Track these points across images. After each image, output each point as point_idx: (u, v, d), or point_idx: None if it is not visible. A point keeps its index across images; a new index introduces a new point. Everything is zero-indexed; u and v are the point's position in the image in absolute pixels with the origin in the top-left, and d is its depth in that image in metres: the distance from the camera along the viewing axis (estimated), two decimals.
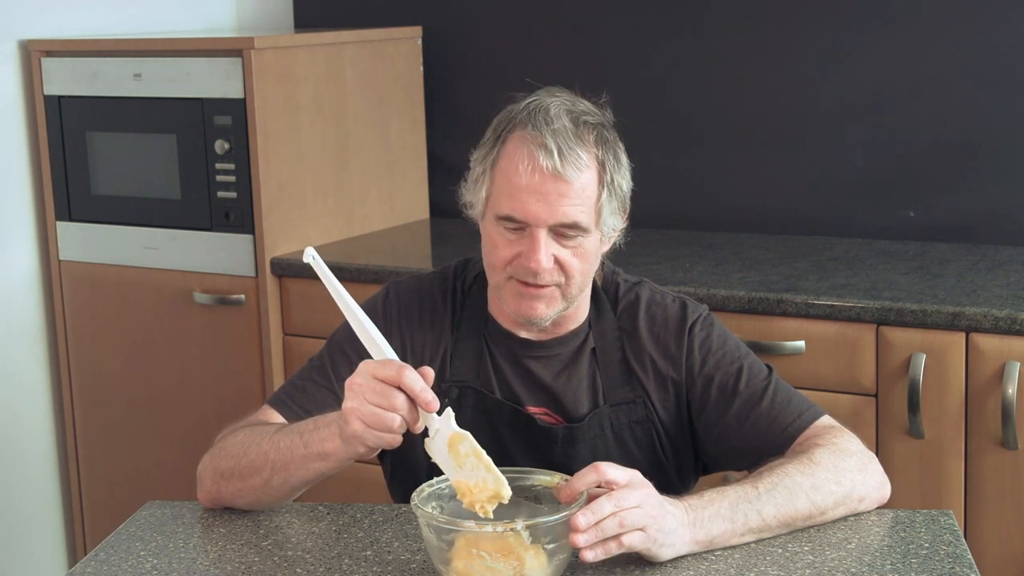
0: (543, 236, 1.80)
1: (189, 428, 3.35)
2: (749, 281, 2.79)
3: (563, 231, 1.80)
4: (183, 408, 3.34)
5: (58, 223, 3.42)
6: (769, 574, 1.65)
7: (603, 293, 1.97)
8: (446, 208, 3.67)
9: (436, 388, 1.66)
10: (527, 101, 1.88)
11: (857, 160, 3.21)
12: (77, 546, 3.55)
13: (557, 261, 1.82)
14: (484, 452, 1.61)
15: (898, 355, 2.58)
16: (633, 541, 1.60)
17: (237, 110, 3.13)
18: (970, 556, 1.70)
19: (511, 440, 1.91)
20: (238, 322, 3.23)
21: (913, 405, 2.56)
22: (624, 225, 1.92)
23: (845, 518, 1.81)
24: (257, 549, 1.77)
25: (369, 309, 1.97)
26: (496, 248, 1.83)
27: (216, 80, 3.15)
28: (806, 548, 1.72)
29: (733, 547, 1.71)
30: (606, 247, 1.92)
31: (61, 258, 3.43)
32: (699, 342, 1.94)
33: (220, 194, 3.20)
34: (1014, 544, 2.55)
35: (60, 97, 3.35)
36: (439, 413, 1.64)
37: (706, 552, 1.70)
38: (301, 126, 3.23)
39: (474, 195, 1.88)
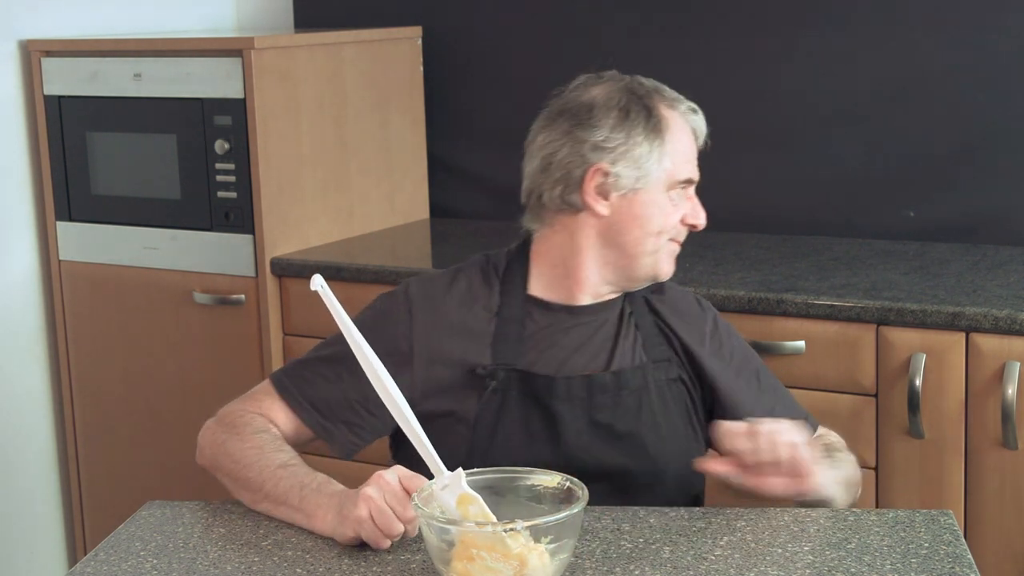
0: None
1: (189, 428, 3.32)
2: (749, 281, 2.79)
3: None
4: (183, 408, 3.34)
5: (58, 223, 3.42)
6: (769, 574, 1.65)
7: None
8: (446, 208, 3.67)
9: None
10: (632, 78, 2.07)
11: (857, 160, 3.21)
12: (77, 546, 3.55)
13: None
14: (492, 516, 1.61)
15: (898, 355, 2.58)
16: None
17: (237, 110, 3.13)
18: (970, 556, 1.70)
19: (563, 410, 1.93)
20: (238, 322, 3.23)
21: (913, 405, 2.56)
22: None
23: (846, 517, 1.82)
24: (257, 549, 1.77)
25: (380, 312, 2.00)
26: (668, 215, 1.99)
27: (216, 80, 3.15)
28: (806, 548, 1.73)
29: (823, 500, 1.86)
30: None
31: (61, 258, 3.43)
32: (718, 323, 2.10)
33: (220, 194, 3.20)
34: (1014, 544, 2.56)
35: (60, 97, 3.35)
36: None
37: (707, 551, 1.71)
38: (301, 126, 3.23)
39: (641, 170, 1.95)
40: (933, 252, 3.03)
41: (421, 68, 3.59)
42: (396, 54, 3.52)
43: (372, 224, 3.47)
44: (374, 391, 1.72)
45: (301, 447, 1.99)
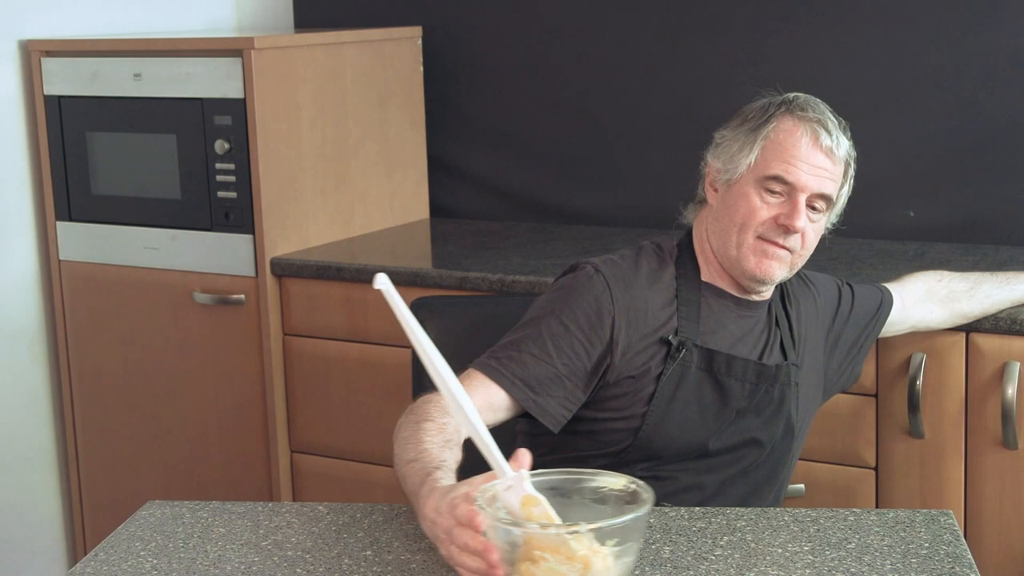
0: (803, 201, 2.07)
1: (189, 428, 3.35)
2: None
3: (815, 202, 2.08)
4: (183, 408, 3.34)
5: (58, 223, 3.42)
6: (769, 574, 1.65)
7: None
8: (446, 208, 3.67)
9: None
10: (785, 94, 2.14)
11: (857, 160, 3.20)
12: (77, 546, 3.55)
13: (801, 230, 2.08)
14: (557, 517, 1.57)
15: (898, 355, 2.58)
16: None
17: (237, 110, 3.13)
18: (970, 556, 1.70)
19: (734, 388, 2.09)
20: (238, 322, 3.23)
21: (913, 405, 2.56)
22: (835, 224, 2.22)
23: (846, 517, 1.82)
24: (257, 549, 1.77)
25: (579, 293, 2.05)
26: (754, 209, 2.07)
27: (216, 80, 3.15)
28: (806, 548, 1.73)
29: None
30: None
31: (61, 258, 3.43)
32: (836, 320, 2.29)
33: (220, 194, 3.20)
34: (1014, 544, 2.56)
35: (60, 97, 3.35)
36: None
37: (707, 551, 1.70)
38: (301, 126, 3.23)
39: (731, 162, 2.11)
40: (933, 252, 3.03)
41: (421, 68, 3.59)
42: (396, 54, 3.51)
43: (372, 224, 3.47)
44: (582, 366, 2.00)
45: (511, 424, 2.06)
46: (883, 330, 2.39)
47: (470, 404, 1.59)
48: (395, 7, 3.66)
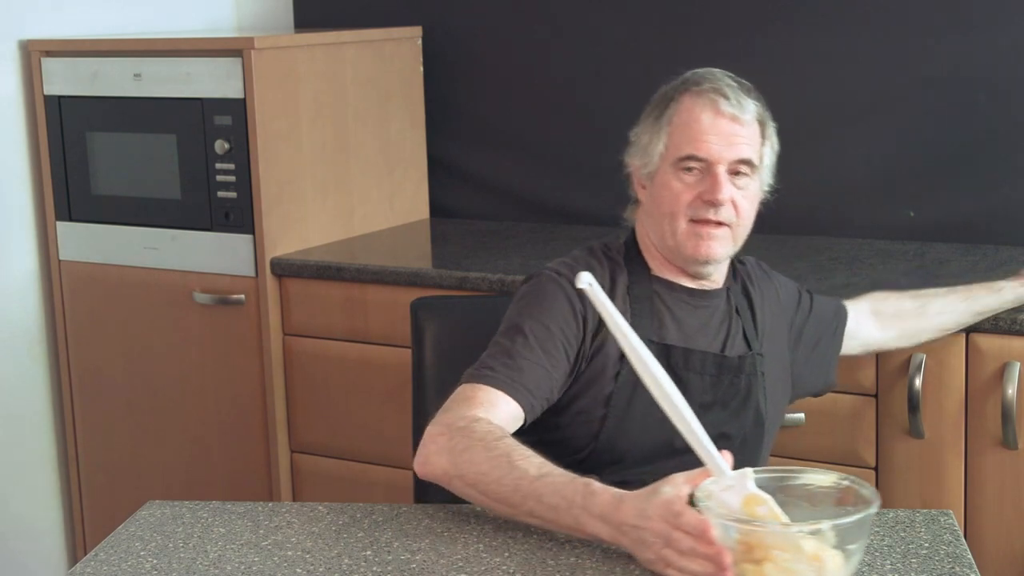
0: (723, 171, 2.03)
1: (189, 428, 3.35)
2: None
3: (738, 168, 2.04)
4: (183, 408, 3.34)
5: (58, 223, 3.42)
6: None
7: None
8: (446, 208, 3.67)
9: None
10: (684, 75, 2.11)
11: (857, 160, 3.21)
12: (77, 546, 3.55)
13: (731, 201, 2.04)
14: (783, 516, 1.55)
15: (898, 355, 2.58)
16: None
17: (237, 110, 3.13)
18: (970, 556, 1.69)
19: (694, 382, 2.06)
20: (238, 322, 3.23)
21: (913, 405, 2.56)
22: (772, 185, 2.16)
23: None
24: (257, 549, 1.77)
25: (551, 296, 2.04)
26: (677, 194, 2.05)
27: (216, 80, 3.15)
28: None
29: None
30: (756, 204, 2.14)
31: (61, 258, 3.43)
32: (798, 313, 2.26)
33: (220, 194, 3.20)
34: (1014, 544, 2.55)
35: (60, 97, 3.35)
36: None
37: None
38: (301, 126, 3.23)
39: (645, 156, 2.09)
40: (933, 252, 3.03)
41: (421, 68, 3.59)
42: (396, 54, 3.51)
43: (372, 224, 3.47)
44: (564, 365, 1.99)
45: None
46: (843, 345, 2.36)
47: (685, 404, 1.63)
48: (395, 7, 3.66)
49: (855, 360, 2.62)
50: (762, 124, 2.09)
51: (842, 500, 1.59)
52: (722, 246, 2.06)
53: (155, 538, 1.82)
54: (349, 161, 3.38)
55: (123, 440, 3.43)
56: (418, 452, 1.87)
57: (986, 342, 2.52)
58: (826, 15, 3.20)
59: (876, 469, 2.64)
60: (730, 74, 2.11)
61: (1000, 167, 3.08)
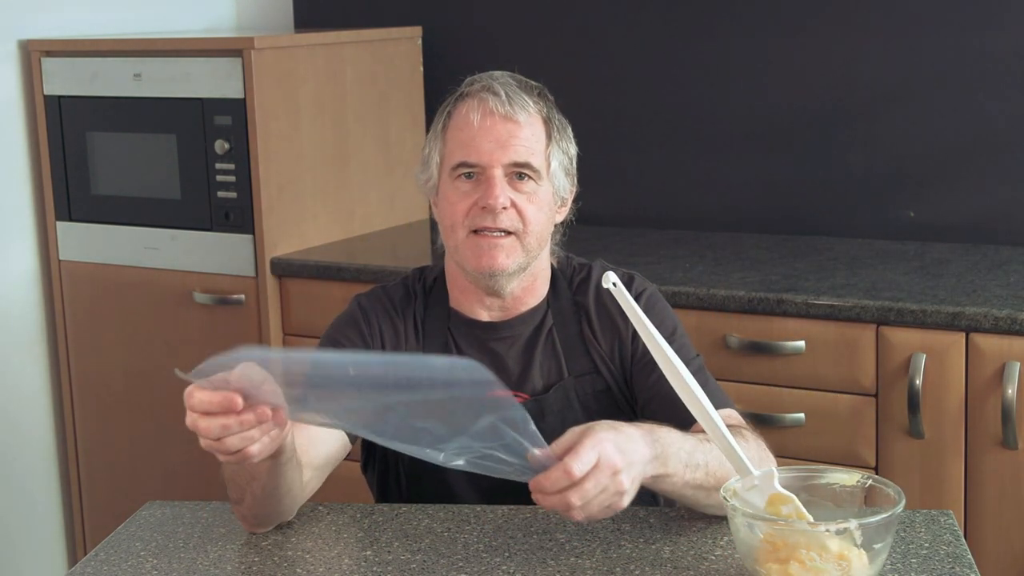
0: (499, 175, 1.89)
1: (189, 428, 3.34)
2: (749, 281, 2.79)
3: (517, 171, 1.90)
4: (183, 408, 3.33)
5: (58, 223, 3.42)
6: None
7: (560, 274, 2.04)
8: None
9: None
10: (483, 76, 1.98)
11: (857, 160, 3.21)
12: (77, 546, 3.55)
13: (514, 205, 1.90)
14: (808, 515, 1.55)
15: (898, 355, 2.58)
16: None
17: (237, 110, 3.13)
18: (970, 556, 1.69)
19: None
20: (238, 322, 3.23)
21: (913, 405, 2.56)
22: (574, 191, 2.02)
23: None
24: (257, 549, 1.77)
25: (348, 323, 2.00)
26: (453, 204, 1.92)
27: (216, 80, 3.15)
28: None
29: (684, 486, 1.67)
30: (560, 216, 2.00)
31: (61, 258, 3.43)
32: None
33: (220, 194, 3.20)
34: (1014, 544, 2.55)
35: (60, 97, 3.35)
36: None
37: (707, 551, 1.70)
38: (301, 126, 3.23)
39: (427, 171, 1.97)
40: (933, 252, 3.03)
41: (421, 68, 3.59)
42: (396, 54, 3.51)
43: (372, 224, 3.47)
44: None
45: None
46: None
47: (709, 403, 1.59)
48: (395, 7, 3.66)
49: (855, 360, 2.63)
50: (548, 124, 1.94)
51: (867, 499, 1.59)
52: (508, 256, 1.90)
53: (155, 538, 1.82)
54: (349, 161, 3.38)
55: (123, 440, 3.43)
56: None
57: (986, 342, 2.52)
58: (827, 16, 3.20)
59: (876, 469, 2.64)
60: (514, 75, 1.97)
61: (1000, 167, 3.08)
